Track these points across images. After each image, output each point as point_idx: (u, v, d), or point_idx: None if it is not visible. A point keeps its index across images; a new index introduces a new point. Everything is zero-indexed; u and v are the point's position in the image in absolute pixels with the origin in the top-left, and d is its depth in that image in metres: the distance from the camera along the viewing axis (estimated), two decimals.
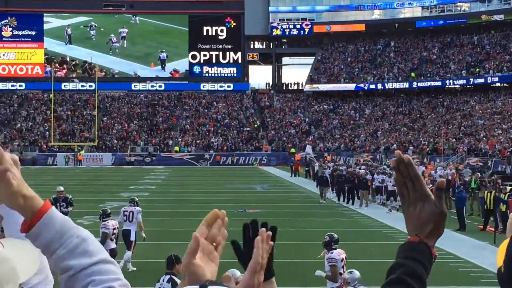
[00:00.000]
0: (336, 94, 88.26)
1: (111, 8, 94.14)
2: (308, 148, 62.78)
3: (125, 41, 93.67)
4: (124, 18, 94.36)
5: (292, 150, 73.25)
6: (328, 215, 28.97)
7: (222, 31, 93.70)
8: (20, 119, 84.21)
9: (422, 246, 1.92)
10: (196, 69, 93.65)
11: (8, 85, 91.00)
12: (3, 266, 1.58)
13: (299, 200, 36.03)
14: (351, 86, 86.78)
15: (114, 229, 16.56)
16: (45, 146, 77.57)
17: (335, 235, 11.95)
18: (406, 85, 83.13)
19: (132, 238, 17.73)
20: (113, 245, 16.29)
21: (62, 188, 21.16)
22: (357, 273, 10.51)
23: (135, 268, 17.59)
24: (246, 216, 28.22)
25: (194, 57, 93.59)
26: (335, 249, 11.58)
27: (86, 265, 1.83)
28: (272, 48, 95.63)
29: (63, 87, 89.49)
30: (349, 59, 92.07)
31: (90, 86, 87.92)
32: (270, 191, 42.14)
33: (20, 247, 1.70)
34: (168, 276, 10.46)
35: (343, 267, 11.25)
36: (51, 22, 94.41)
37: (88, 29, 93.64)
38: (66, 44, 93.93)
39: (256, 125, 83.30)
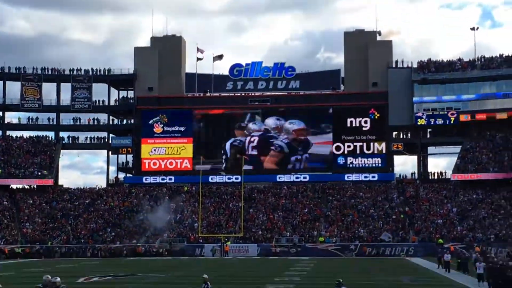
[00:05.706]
0: (485, 184, 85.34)
1: (256, 103, 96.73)
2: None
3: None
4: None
5: (440, 241, 71.49)
6: None
7: (366, 122, 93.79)
8: (170, 211, 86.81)
9: None
10: (340, 160, 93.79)
11: (159, 179, 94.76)
12: None
13: None
14: (501, 175, 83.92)
15: None
16: (193, 237, 79.45)
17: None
18: None
19: None
20: None
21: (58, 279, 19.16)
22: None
23: None
24: None
25: (338, 148, 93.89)
26: None
27: None
28: (417, 138, 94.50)
29: (210, 180, 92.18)
30: (498, 147, 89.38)
31: (236, 178, 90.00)
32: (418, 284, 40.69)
33: None
34: None
35: None
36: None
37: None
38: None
39: (402, 216, 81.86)
